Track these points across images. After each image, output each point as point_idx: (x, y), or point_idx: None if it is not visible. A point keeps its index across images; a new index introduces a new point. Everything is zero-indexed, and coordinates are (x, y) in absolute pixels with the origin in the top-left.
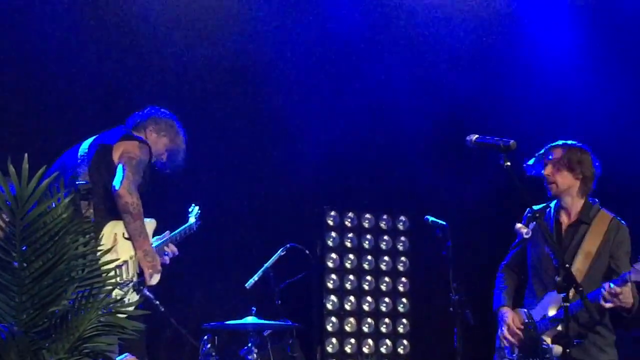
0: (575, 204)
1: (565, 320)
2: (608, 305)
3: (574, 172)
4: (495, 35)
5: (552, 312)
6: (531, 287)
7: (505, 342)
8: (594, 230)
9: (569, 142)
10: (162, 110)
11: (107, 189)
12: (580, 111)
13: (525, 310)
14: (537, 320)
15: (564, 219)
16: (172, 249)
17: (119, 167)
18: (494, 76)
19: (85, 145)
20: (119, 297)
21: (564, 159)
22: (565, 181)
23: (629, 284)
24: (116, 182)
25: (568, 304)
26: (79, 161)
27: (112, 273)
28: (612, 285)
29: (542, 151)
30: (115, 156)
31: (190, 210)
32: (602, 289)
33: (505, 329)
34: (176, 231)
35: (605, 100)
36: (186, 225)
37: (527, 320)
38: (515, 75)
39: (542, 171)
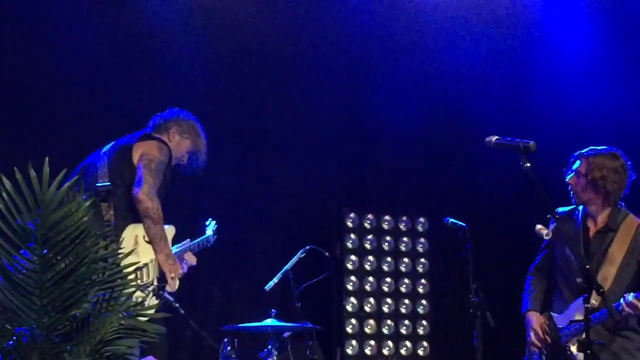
0: (601, 212)
1: (586, 321)
2: (629, 316)
3: (596, 188)
4: (515, 37)
5: (578, 317)
6: (559, 290)
7: (532, 347)
8: (621, 237)
9: (599, 150)
10: (184, 111)
11: (128, 191)
12: (604, 114)
13: (550, 314)
14: (564, 326)
15: (591, 226)
16: (191, 258)
17: (139, 171)
18: (515, 78)
19: (106, 149)
20: (139, 300)
21: (587, 175)
22: (587, 194)
23: None
24: (136, 187)
25: (589, 306)
26: (99, 164)
27: (133, 276)
28: (631, 298)
29: (576, 155)
30: (135, 157)
31: (207, 223)
32: (623, 300)
33: (532, 334)
34: (195, 241)
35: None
36: (203, 237)
37: (552, 326)
38: (534, 77)
39: (567, 179)
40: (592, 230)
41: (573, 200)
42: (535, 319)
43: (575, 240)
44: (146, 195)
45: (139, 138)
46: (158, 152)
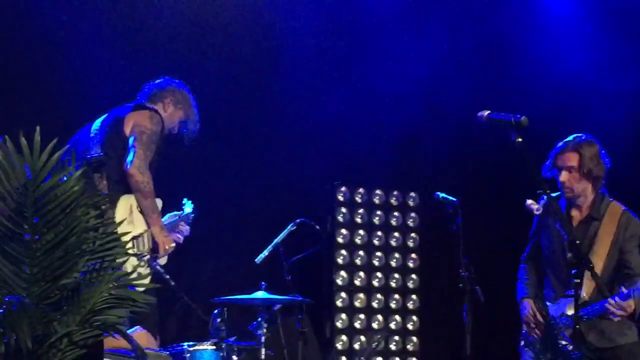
0: (586, 200)
1: (575, 297)
2: (615, 318)
3: (589, 177)
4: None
5: (570, 312)
6: (548, 280)
7: (529, 331)
8: (605, 226)
9: (580, 140)
10: (178, 81)
11: (120, 162)
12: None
13: (544, 302)
14: (556, 316)
15: (576, 215)
16: (185, 228)
17: (130, 143)
18: (510, 58)
19: (99, 121)
20: (135, 267)
21: (582, 169)
22: (582, 186)
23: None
24: (127, 161)
25: (579, 280)
26: (92, 135)
27: (128, 245)
28: (615, 300)
29: (556, 153)
30: (127, 128)
31: (184, 203)
32: (606, 303)
33: (527, 319)
34: (182, 215)
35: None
36: (186, 213)
37: (545, 312)
38: (528, 59)
39: (559, 178)
40: (577, 219)
41: (563, 197)
42: (530, 306)
43: (560, 212)
44: (137, 169)
45: (133, 108)
46: (150, 123)
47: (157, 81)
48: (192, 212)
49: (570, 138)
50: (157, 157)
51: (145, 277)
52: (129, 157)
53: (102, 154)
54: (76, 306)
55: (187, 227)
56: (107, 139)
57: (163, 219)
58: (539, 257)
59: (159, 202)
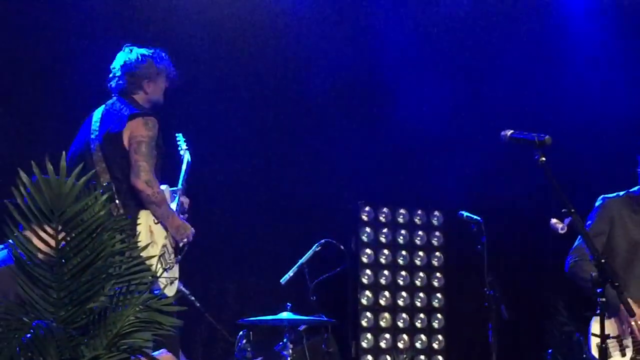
0: None
1: (601, 317)
2: None
3: None
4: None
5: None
6: None
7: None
8: None
9: None
10: (139, 54)
11: (129, 179)
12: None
13: None
14: None
15: None
16: (185, 201)
17: (132, 158)
18: (529, 70)
19: (94, 132)
20: (167, 283)
21: None
22: None
23: None
24: (133, 176)
25: (604, 299)
26: (94, 156)
27: (156, 266)
28: None
29: None
30: (125, 141)
31: (177, 141)
32: None
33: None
34: (181, 179)
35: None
36: (184, 166)
37: None
38: (547, 70)
39: None
40: None
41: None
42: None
43: (583, 230)
44: (145, 184)
45: (127, 119)
46: (145, 130)
47: (119, 66)
48: (187, 150)
49: None
50: (160, 157)
51: (171, 298)
52: (135, 173)
53: (110, 182)
54: (103, 330)
55: (187, 199)
56: (111, 161)
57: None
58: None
59: (167, 189)
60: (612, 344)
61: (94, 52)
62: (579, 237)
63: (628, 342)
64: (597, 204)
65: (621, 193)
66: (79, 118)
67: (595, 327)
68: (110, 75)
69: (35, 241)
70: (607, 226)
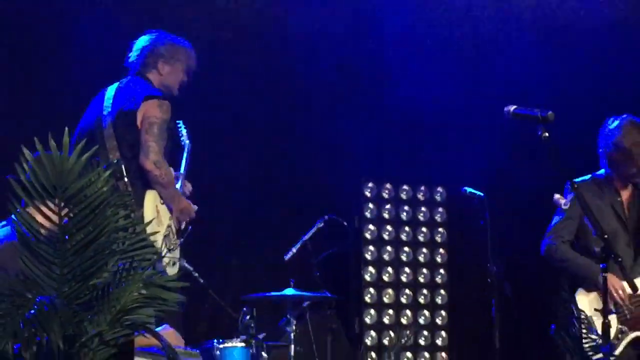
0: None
1: (604, 291)
2: None
3: None
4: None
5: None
6: None
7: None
8: None
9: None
10: (160, 35)
11: (137, 158)
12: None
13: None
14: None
15: (625, 194)
16: (188, 187)
17: (142, 137)
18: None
19: (107, 109)
20: (171, 263)
21: None
22: None
23: None
24: (141, 156)
25: (607, 275)
26: (105, 133)
27: (156, 245)
28: None
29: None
30: (138, 121)
31: (178, 127)
32: None
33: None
34: (182, 165)
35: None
36: (185, 152)
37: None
38: (553, 45)
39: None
40: (626, 197)
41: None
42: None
43: (588, 207)
44: (154, 164)
45: (141, 100)
46: (159, 112)
47: (140, 45)
48: (187, 136)
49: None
50: (170, 141)
51: (174, 275)
52: (144, 153)
53: (120, 159)
54: (107, 306)
55: (190, 186)
56: (122, 140)
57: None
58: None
59: (171, 172)
60: (596, 317)
61: (100, 28)
62: (554, 218)
63: (612, 317)
64: (565, 187)
65: (587, 177)
66: (85, 94)
67: (581, 300)
68: (130, 53)
69: (39, 218)
70: (578, 212)
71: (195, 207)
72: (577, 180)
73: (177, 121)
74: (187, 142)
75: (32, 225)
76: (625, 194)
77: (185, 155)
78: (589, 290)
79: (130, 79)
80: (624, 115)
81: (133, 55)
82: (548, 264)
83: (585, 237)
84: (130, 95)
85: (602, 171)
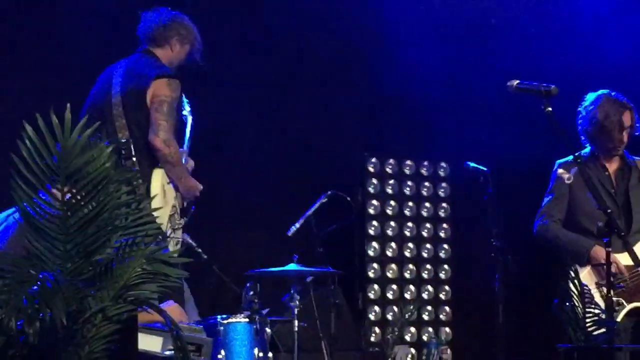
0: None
1: (607, 266)
2: None
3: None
4: None
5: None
6: None
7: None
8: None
9: (626, 98)
10: (177, 14)
11: (146, 137)
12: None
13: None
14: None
15: (611, 165)
16: (191, 164)
17: (152, 115)
18: (536, 21)
19: (116, 87)
20: (177, 242)
21: (633, 128)
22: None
23: None
24: (151, 133)
25: (610, 249)
26: (114, 111)
27: (167, 226)
28: None
29: (617, 110)
30: (148, 99)
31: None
32: None
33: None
34: (186, 141)
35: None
36: (188, 128)
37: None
38: (556, 20)
39: (616, 135)
40: (613, 168)
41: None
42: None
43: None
44: (163, 142)
45: (151, 79)
46: (169, 90)
47: (155, 17)
48: (190, 114)
49: (618, 96)
50: (179, 120)
51: (177, 250)
52: (153, 131)
53: (129, 139)
54: (110, 282)
55: (192, 162)
56: (131, 118)
57: None
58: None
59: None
60: (594, 291)
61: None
62: (545, 198)
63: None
64: (554, 169)
65: (570, 158)
66: (90, 70)
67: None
68: (143, 24)
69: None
70: (567, 190)
71: (201, 187)
72: (562, 160)
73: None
74: (190, 117)
75: (34, 201)
76: (612, 167)
77: (188, 130)
78: (582, 266)
79: (139, 56)
80: (601, 91)
81: (147, 25)
82: (539, 243)
83: (576, 214)
84: (141, 74)
85: (587, 149)
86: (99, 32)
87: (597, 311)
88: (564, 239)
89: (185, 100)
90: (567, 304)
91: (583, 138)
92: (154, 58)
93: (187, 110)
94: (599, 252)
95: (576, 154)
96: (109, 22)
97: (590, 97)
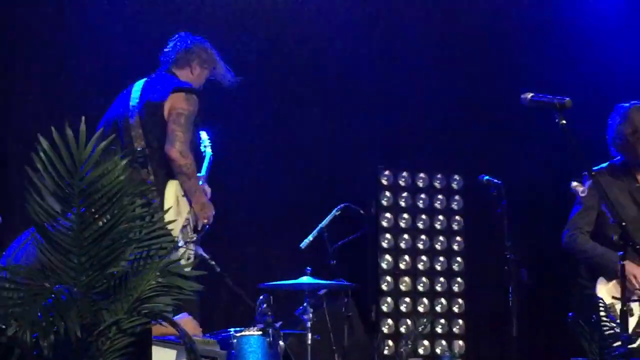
0: None
1: (622, 278)
2: None
3: None
4: None
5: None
6: None
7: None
8: None
9: None
10: (198, 38)
11: (163, 149)
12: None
13: None
14: None
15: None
16: (208, 191)
17: (169, 127)
18: (547, 31)
19: (134, 102)
20: (189, 256)
21: None
22: None
23: None
24: (168, 145)
25: (625, 262)
26: (131, 122)
27: (172, 234)
28: None
29: None
30: (165, 112)
31: (201, 141)
32: None
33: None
34: (204, 168)
35: None
36: (207, 161)
37: None
38: (569, 31)
39: None
40: None
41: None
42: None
43: (606, 194)
44: (179, 153)
45: (170, 92)
46: (187, 104)
47: (178, 41)
48: (209, 147)
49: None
50: (195, 136)
51: (188, 265)
52: (170, 142)
53: (145, 148)
54: (124, 294)
55: (209, 189)
56: (148, 130)
57: None
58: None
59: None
60: (618, 305)
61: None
62: (573, 209)
63: (634, 304)
64: (584, 178)
65: (604, 165)
66: (109, 89)
67: (600, 290)
68: (165, 49)
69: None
70: (596, 201)
71: (213, 211)
72: (595, 168)
73: (201, 130)
74: (210, 152)
75: (50, 213)
76: None
77: (207, 161)
78: (609, 279)
79: (159, 74)
80: (632, 102)
81: (169, 48)
82: (567, 253)
83: (605, 227)
84: (159, 87)
85: (619, 158)
86: (127, 52)
87: (613, 324)
88: (591, 253)
89: (206, 136)
90: (582, 317)
91: (611, 148)
92: (175, 76)
93: (207, 144)
94: (627, 266)
95: (609, 162)
96: (138, 43)
97: (619, 108)
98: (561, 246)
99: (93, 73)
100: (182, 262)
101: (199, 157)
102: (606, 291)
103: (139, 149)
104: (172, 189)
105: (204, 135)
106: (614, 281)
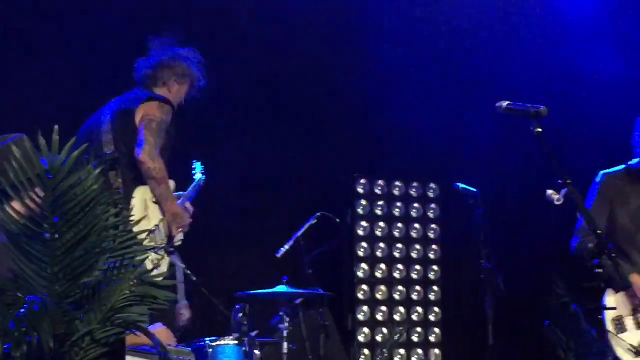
0: None
1: (597, 287)
2: None
3: None
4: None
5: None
6: None
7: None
8: None
9: None
10: (173, 50)
11: (133, 157)
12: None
13: None
14: None
15: None
16: (189, 207)
17: (140, 132)
18: (527, 42)
19: (107, 111)
20: (155, 262)
21: None
22: None
23: None
24: (137, 148)
25: (602, 270)
26: (103, 129)
27: (145, 242)
28: None
29: None
30: (137, 119)
31: (193, 167)
32: None
33: None
34: (190, 188)
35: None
36: (196, 183)
37: None
38: (547, 42)
39: None
40: None
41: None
42: None
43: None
44: (148, 156)
45: (143, 101)
46: (159, 112)
47: (153, 58)
48: (202, 175)
49: None
50: (170, 145)
51: (163, 274)
52: (139, 145)
53: (114, 151)
54: (97, 304)
55: (192, 208)
56: (119, 135)
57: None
58: None
59: (172, 184)
60: (627, 319)
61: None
62: (579, 219)
63: None
64: (596, 179)
65: (621, 167)
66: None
67: (609, 300)
68: (138, 66)
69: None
70: (608, 206)
71: (189, 220)
72: (609, 170)
73: (196, 162)
74: (202, 178)
75: (22, 222)
76: None
77: (195, 184)
78: (616, 290)
79: (134, 89)
80: None
81: (143, 67)
82: (542, 260)
83: (614, 230)
84: (132, 98)
85: (636, 160)
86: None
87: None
88: (604, 262)
89: (199, 166)
90: (558, 325)
91: (635, 150)
92: (150, 91)
93: (198, 172)
94: (633, 278)
95: (608, 170)
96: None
97: None
98: (570, 253)
99: (70, 84)
100: (149, 265)
101: (170, 167)
102: (614, 301)
103: (107, 152)
104: (140, 193)
105: (198, 166)
106: (623, 292)
